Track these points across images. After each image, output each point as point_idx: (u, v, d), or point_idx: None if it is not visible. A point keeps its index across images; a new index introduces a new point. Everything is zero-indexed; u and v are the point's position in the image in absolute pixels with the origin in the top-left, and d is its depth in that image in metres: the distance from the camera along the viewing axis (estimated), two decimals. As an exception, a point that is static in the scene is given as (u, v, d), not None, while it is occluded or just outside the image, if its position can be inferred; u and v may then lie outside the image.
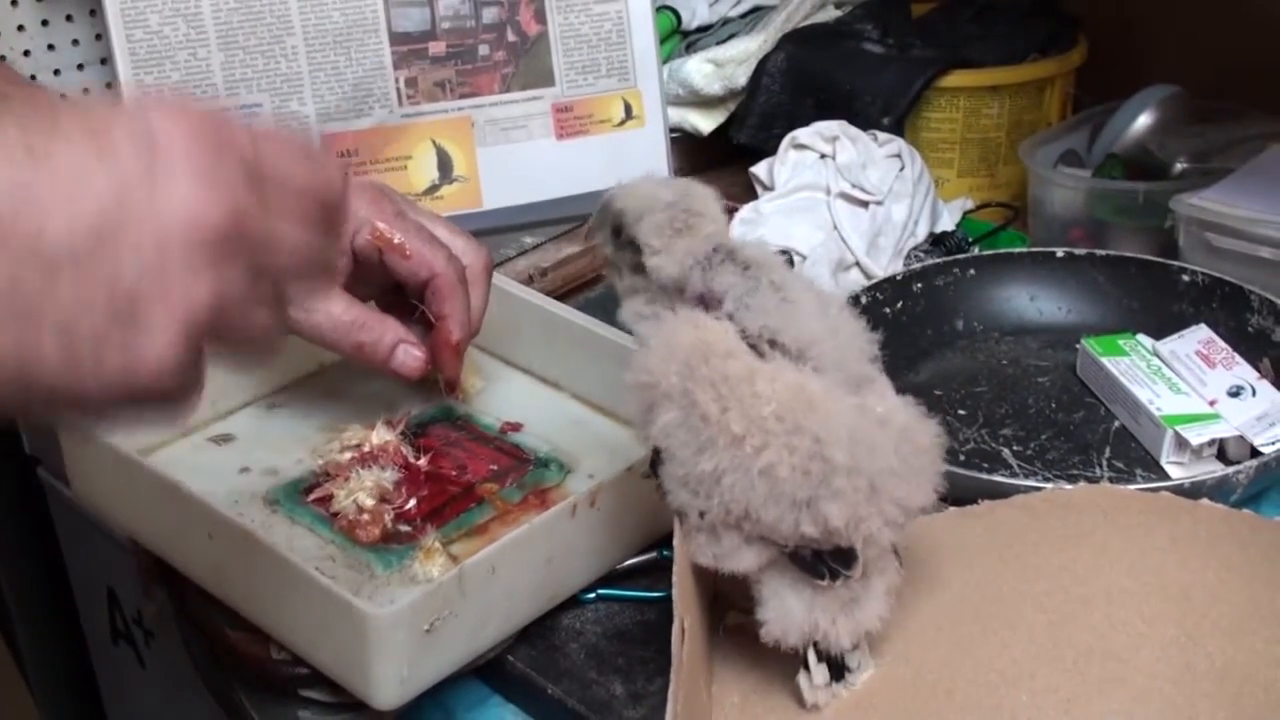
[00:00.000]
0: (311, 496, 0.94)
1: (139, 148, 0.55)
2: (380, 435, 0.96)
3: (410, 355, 0.93)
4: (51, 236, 0.54)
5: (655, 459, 0.75)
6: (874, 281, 1.17)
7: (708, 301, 0.76)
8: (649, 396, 0.73)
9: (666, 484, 0.74)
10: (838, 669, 0.77)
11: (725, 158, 1.43)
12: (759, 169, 1.32)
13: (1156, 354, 1.07)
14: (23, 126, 0.55)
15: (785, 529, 0.72)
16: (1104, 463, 1.02)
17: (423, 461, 0.96)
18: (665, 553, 0.89)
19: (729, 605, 0.83)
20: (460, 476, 0.96)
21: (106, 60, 1.26)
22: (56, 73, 1.31)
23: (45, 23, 1.34)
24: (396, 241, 0.92)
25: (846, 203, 1.24)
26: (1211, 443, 0.99)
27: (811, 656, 0.76)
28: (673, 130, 1.40)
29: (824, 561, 0.73)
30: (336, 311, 0.91)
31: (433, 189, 1.29)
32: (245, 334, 0.60)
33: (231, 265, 0.57)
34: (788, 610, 0.75)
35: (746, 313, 0.74)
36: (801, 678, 0.77)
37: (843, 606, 0.75)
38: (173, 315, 0.56)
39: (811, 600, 0.75)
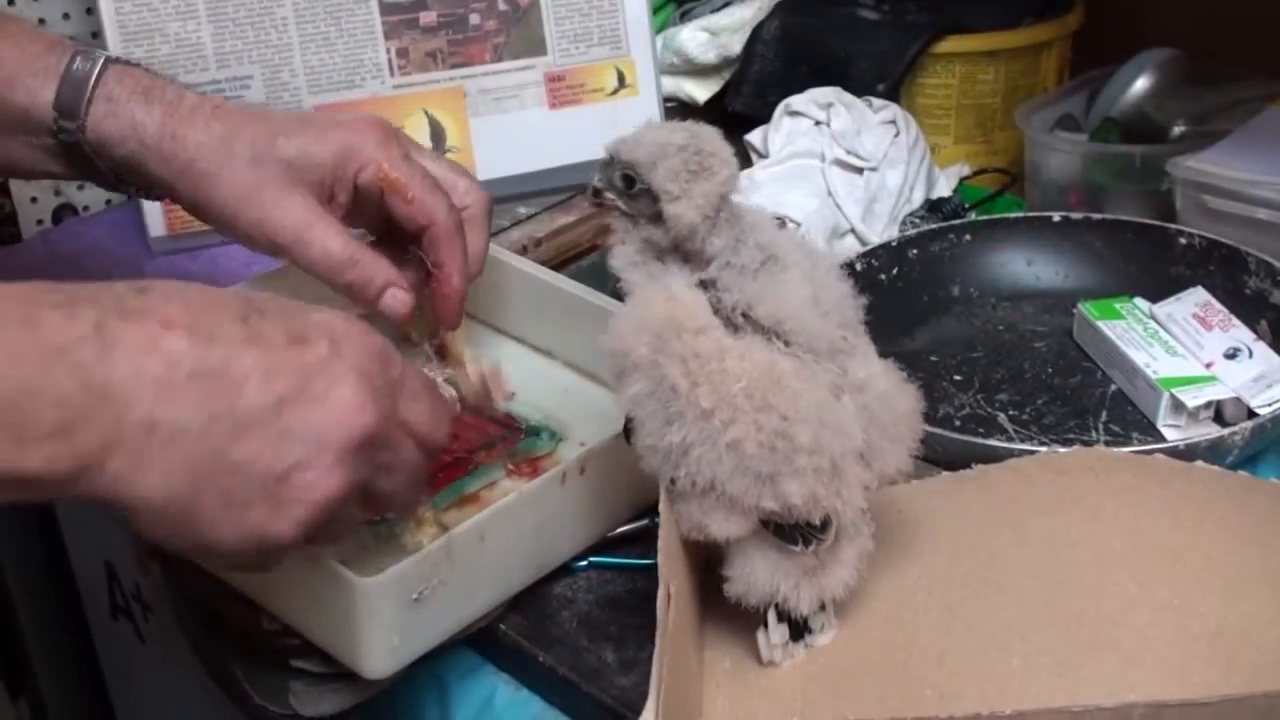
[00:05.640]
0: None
1: (323, 343, 0.68)
2: None
3: (397, 299, 0.92)
4: (246, 401, 0.65)
5: (628, 426, 0.75)
6: (869, 248, 1.17)
7: (696, 261, 0.76)
8: (620, 365, 0.73)
9: (638, 450, 0.75)
10: (798, 629, 0.77)
11: (720, 126, 1.41)
12: (754, 137, 1.31)
13: (1153, 317, 1.06)
14: (238, 296, 0.69)
15: (749, 501, 0.72)
16: (1100, 427, 1.01)
17: None
18: (656, 519, 0.89)
19: (720, 572, 0.82)
20: (451, 445, 0.95)
21: (97, 34, 1.26)
22: (47, 47, 1.30)
23: (35, -3, 1.34)
24: (401, 184, 0.91)
25: (841, 169, 1.24)
26: (1208, 405, 0.98)
27: (771, 616, 0.77)
28: (668, 99, 1.39)
29: (798, 528, 0.73)
30: (334, 248, 0.90)
31: (426, 160, 1.28)
32: (340, 530, 0.72)
33: (363, 466, 0.69)
34: (752, 571, 0.76)
35: (729, 276, 0.74)
36: (760, 635, 0.77)
37: (806, 573, 0.75)
38: (311, 501, 0.67)
39: (776, 564, 0.75)
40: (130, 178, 0.92)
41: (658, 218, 0.76)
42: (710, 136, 0.77)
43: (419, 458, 0.73)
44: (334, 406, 0.67)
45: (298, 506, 0.67)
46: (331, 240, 0.90)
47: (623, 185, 0.77)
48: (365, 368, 0.69)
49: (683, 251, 0.77)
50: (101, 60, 0.90)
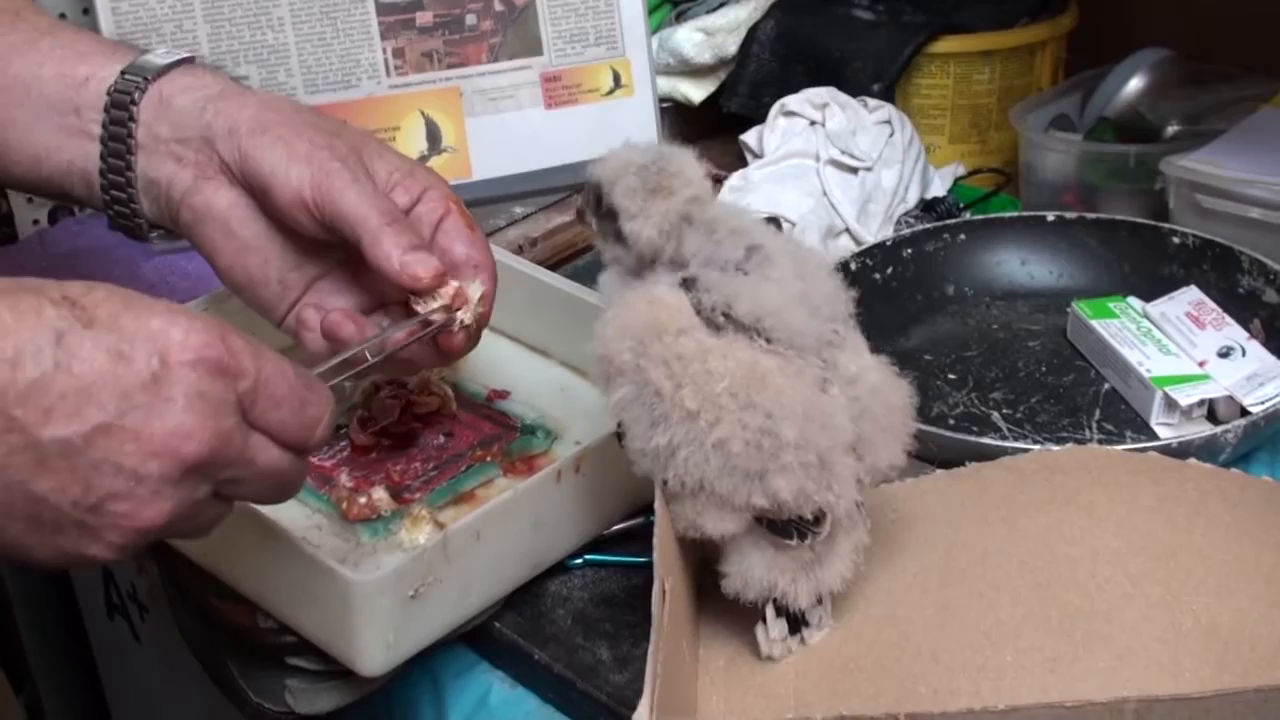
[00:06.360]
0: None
1: (151, 360, 0.63)
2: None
3: (426, 262, 0.82)
4: (51, 432, 0.61)
5: (619, 431, 0.76)
6: (864, 247, 1.17)
7: (677, 266, 0.76)
8: (606, 370, 0.74)
9: (630, 454, 0.75)
10: (796, 623, 0.77)
11: (717, 127, 1.42)
12: (749, 137, 1.32)
13: (1146, 316, 1.06)
14: (63, 305, 0.63)
15: (739, 500, 0.73)
16: (1094, 425, 1.02)
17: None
18: (651, 518, 0.89)
19: (717, 569, 0.83)
20: (447, 444, 0.96)
21: (93, 34, 1.26)
22: (43, 47, 1.30)
23: (32, -3, 1.34)
24: (467, 211, 0.88)
25: (836, 169, 1.24)
26: (1201, 403, 0.99)
27: (770, 611, 0.77)
28: (664, 100, 1.39)
29: (792, 522, 0.73)
30: (385, 203, 0.84)
31: (421, 160, 1.28)
32: (190, 532, 0.69)
33: (198, 486, 0.66)
34: (748, 566, 0.76)
35: (710, 275, 0.75)
36: (759, 630, 0.78)
37: (803, 566, 0.76)
38: (129, 529, 0.64)
39: (772, 559, 0.75)
40: (169, 148, 0.86)
41: (621, 236, 0.77)
42: (677, 157, 0.78)
43: (283, 462, 0.69)
44: (155, 436, 0.63)
45: (114, 533, 0.64)
46: (382, 197, 0.84)
47: (594, 204, 0.78)
48: (199, 386, 0.64)
49: (666, 264, 0.77)
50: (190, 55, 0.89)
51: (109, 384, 0.63)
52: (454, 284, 0.84)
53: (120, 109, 0.86)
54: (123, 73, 0.86)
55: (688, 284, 0.75)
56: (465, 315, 0.84)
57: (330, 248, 0.86)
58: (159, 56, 0.88)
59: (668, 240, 0.76)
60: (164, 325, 0.65)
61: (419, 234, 0.84)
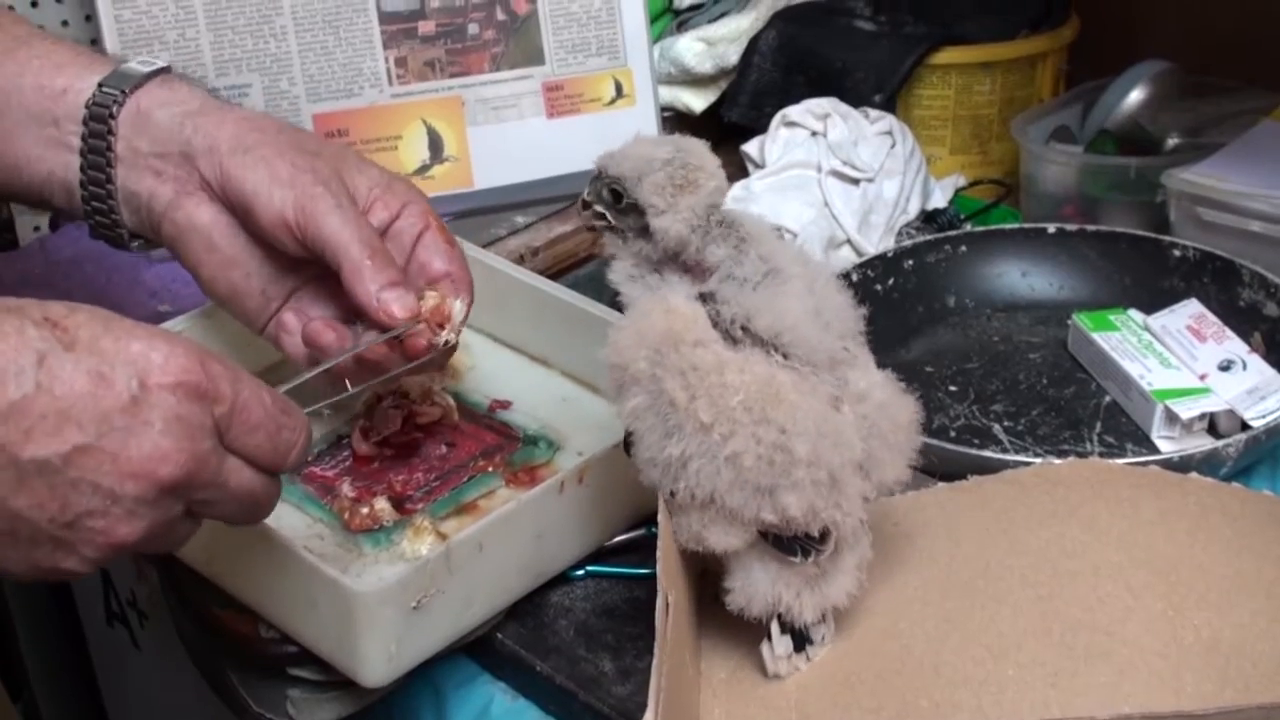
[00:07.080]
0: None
1: (131, 383, 0.65)
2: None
3: (404, 300, 0.84)
4: (31, 451, 0.63)
5: (628, 440, 0.75)
6: (865, 259, 1.17)
7: (696, 272, 0.76)
8: (619, 378, 0.74)
9: (638, 463, 0.75)
10: (800, 640, 0.77)
11: (718, 137, 1.41)
12: (750, 147, 1.32)
13: (1147, 329, 1.06)
14: (45, 327, 0.65)
15: (748, 514, 0.73)
16: (1094, 438, 1.02)
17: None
18: (654, 529, 0.89)
19: (718, 581, 0.83)
20: (449, 454, 0.96)
21: (96, 40, 1.26)
22: (46, 54, 1.30)
23: (35, 4, 1.34)
24: (446, 227, 0.90)
25: (837, 180, 1.24)
26: (1202, 417, 0.99)
27: (775, 628, 0.77)
28: (665, 109, 1.40)
29: (797, 539, 0.73)
30: (365, 231, 0.85)
31: (423, 169, 1.28)
32: (162, 547, 0.71)
33: (172, 506, 0.68)
34: (753, 581, 0.76)
35: (728, 289, 0.74)
36: (764, 648, 0.78)
37: (808, 581, 0.76)
38: (104, 545, 0.67)
39: (777, 574, 0.76)
40: (148, 162, 0.87)
41: (646, 231, 0.77)
42: (697, 149, 0.77)
43: (256, 484, 0.71)
44: (132, 458, 0.65)
45: (88, 548, 0.66)
46: (364, 225, 0.85)
47: (611, 199, 0.78)
48: (178, 410, 0.66)
49: (681, 263, 0.77)
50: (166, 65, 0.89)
51: (89, 406, 0.64)
52: (432, 296, 0.86)
53: (99, 122, 0.87)
54: (100, 85, 0.87)
55: (705, 297, 0.74)
56: (451, 335, 0.85)
57: (310, 261, 0.87)
58: (136, 65, 0.88)
59: (693, 233, 0.76)
60: (144, 349, 0.66)
61: (398, 265, 0.86)
